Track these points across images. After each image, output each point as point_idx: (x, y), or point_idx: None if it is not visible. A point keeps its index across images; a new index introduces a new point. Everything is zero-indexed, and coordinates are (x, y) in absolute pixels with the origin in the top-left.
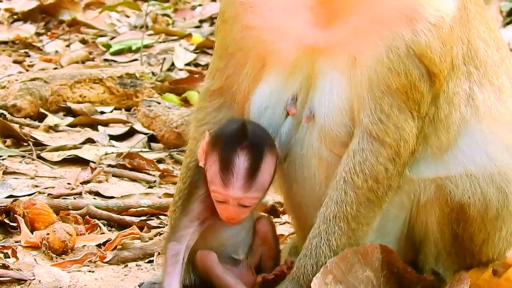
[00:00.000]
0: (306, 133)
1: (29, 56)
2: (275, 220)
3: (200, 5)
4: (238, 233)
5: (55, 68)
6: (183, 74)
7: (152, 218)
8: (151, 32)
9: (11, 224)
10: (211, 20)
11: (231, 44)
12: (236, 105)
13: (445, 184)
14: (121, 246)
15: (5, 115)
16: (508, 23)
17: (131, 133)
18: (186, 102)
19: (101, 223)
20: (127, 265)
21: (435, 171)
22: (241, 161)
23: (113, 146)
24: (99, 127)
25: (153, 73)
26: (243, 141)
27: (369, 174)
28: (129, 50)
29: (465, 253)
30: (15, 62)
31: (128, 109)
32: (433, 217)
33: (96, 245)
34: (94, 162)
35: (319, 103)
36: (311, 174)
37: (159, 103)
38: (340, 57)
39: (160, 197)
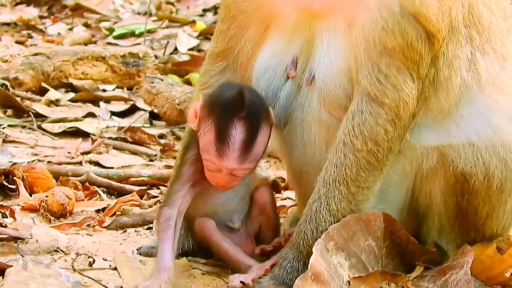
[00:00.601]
0: (306, 97)
1: (31, 37)
2: (276, 195)
3: None
4: (231, 200)
5: None
6: (186, 59)
7: (153, 188)
8: (154, 18)
9: (9, 186)
10: (215, 9)
11: (233, 6)
12: (239, 68)
13: (447, 152)
14: (120, 212)
15: (7, 86)
16: None
17: (132, 110)
18: (188, 84)
19: (101, 190)
20: (125, 231)
21: (437, 138)
22: (237, 133)
23: (115, 121)
24: (101, 103)
25: (156, 56)
26: (241, 111)
27: (369, 136)
28: (132, 34)
29: (469, 227)
30: (17, 42)
31: (130, 88)
32: (437, 188)
33: (95, 211)
34: (95, 135)
35: (318, 66)
36: (311, 139)
37: (162, 80)
38: (336, 18)
39: (160, 169)
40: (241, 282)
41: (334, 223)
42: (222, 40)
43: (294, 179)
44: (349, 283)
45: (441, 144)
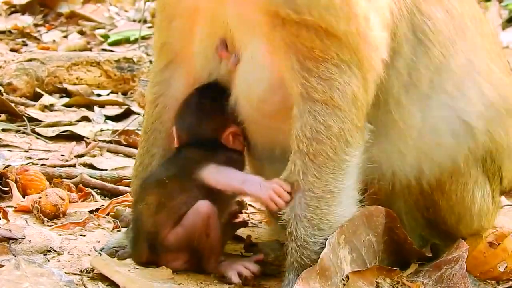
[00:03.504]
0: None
1: (26, 45)
2: None
3: None
4: None
5: None
6: None
7: None
8: (149, 25)
9: (2, 188)
10: None
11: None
12: (181, 64)
13: (386, 163)
14: (114, 213)
15: (1, 91)
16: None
17: (127, 113)
18: None
19: (95, 192)
20: (120, 230)
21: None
22: None
23: (109, 124)
24: (95, 107)
25: (150, 62)
26: None
27: (312, 136)
28: (127, 40)
29: (446, 234)
30: (12, 50)
31: (124, 93)
32: (402, 204)
33: (89, 212)
34: (89, 138)
35: (242, 53)
36: (249, 119)
37: None
38: (242, 8)
39: None
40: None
41: (312, 231)
42: (157, 34)
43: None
44: (348, 278)
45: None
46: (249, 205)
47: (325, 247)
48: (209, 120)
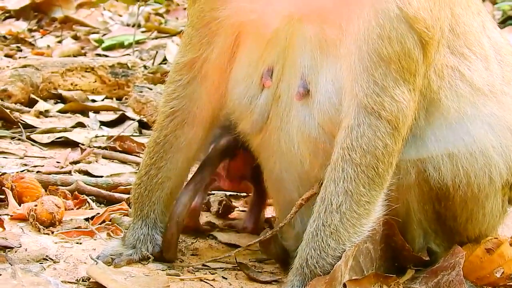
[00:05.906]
0: (287, 107)
1: (21, 50)
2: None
3: None
4: None
5: None
6: None
7: None
8: (143, 29)
9: None
10: None
11: (208, 13)
12: (208, 81)
13: (426, 165)
14: (109, 221)
15: None
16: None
17: (122, 119)
18: None
19: (90, 199)
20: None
21: (416, 152)
22: None
23: (104, 131)
24: (90, 113)
25: (145, 67)
26: None
27: (367, 149)
28: (121, 45)
29: (452, 231)
30: (6, 56)
31: (119, 99)
32: (413, 196)
33: (85, 219)
34: (84, 145)
35: (311, 80)
36: (290, 149)
37: (150, 89)
38: (326, 26)
39: None
40: None
41: (335, 240)
42: (191, 50)
43: (271, 186)
44: (345, 286)
45: (420, 157)
46: None
47: (340, 259)
48: None
